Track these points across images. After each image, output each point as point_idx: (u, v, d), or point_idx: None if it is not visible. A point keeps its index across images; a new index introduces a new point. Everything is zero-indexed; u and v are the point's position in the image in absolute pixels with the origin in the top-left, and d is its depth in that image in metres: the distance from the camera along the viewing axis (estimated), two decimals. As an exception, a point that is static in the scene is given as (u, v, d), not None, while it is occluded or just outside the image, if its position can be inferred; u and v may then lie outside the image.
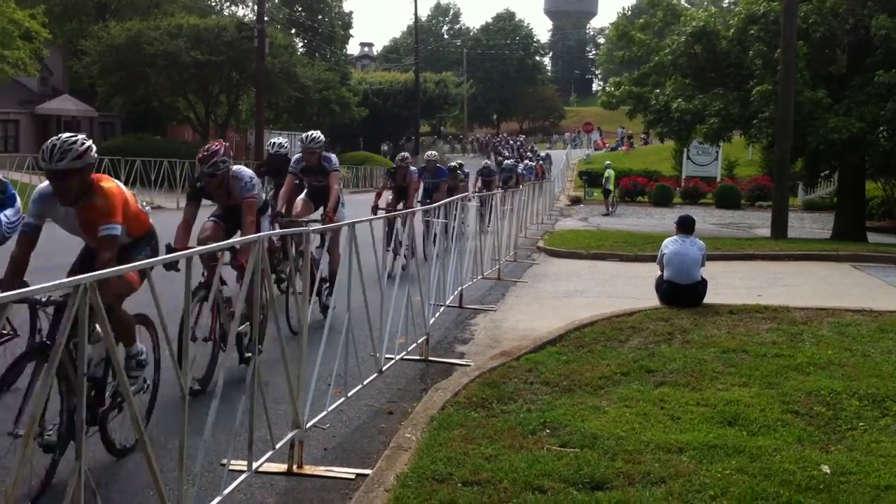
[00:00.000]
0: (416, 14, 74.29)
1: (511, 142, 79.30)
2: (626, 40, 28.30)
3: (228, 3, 64.33)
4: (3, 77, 31.96)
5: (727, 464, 5.31)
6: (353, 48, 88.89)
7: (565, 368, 7.67)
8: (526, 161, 40.98)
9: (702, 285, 11.02)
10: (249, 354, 7.00)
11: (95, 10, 49.36)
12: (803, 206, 36.29)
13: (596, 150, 72.05)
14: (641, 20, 29.80)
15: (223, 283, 6.54)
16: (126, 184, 27.81)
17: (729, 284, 13.29)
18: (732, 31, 24.84)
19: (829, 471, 5.26)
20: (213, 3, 61.63)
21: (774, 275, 15.51)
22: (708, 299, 11.02)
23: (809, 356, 8.20)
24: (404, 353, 8.12)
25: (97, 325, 3.84)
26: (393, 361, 7.71)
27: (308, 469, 5.52)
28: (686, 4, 37.81)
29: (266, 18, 44.54)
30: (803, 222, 29.99)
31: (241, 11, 62.51)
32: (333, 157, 10.17)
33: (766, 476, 5.13)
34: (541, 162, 31.61)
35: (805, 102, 22.30)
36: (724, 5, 37.45)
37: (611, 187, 34.21)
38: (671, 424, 6.12)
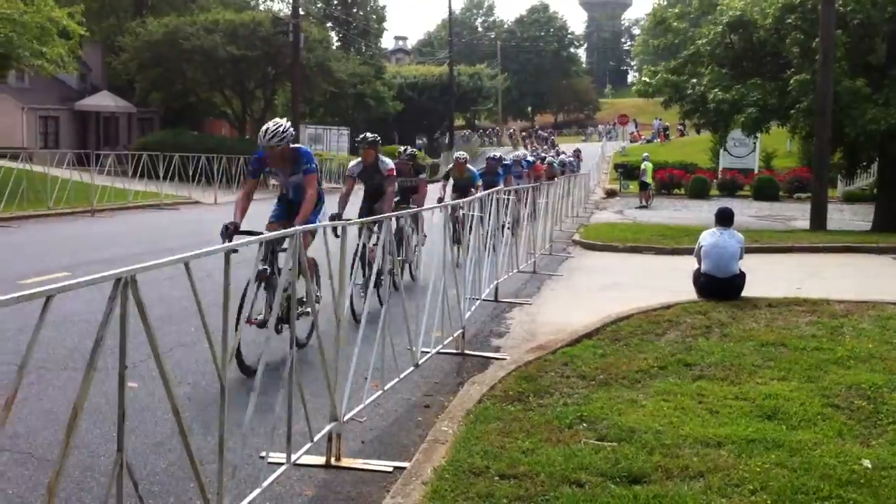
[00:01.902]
0: (450, 7, 74.28)
1: (541, 135, 78.69)
2: (662, 27, 28.10)
3: (264, -1, 64.71)
4: (43, 74, 32.34)
5: (766, 458, 5.27)
6: (387, 42, 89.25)
7: (602, 362, 7.65)
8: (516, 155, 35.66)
9: (740, 278, 10.92)
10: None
11: (133, 7, 49.84)
12: (843, 197, 35.82)
13: (632, 142, 71.61)
14: (677, 9, 29.56)
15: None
16: (164, 179, 28.28)
17: (767, 277, 13.15)
18: (770, 20, 24.55)
19: (870, 465, 5.20)
20: (249, -1, 61.95)
21: (814, 267, 15.35)
22: (746, 292, 10.92)
23: (850, 349, 8.11)
24: (440, 346, 8.14)
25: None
26: (429, 355, 7.73)
27: (346, 462, 5.55)
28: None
29: (301, 13, 44.74)
30: (843, 214, 29.61)
31: (276, 6, 63.05)
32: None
33: (806, 470, 5.08)
34: (547, 161, 28.00)
35: (844, 92, 22.01)
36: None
37: (648, 180, 33.97)
38: (710, 418, 6.08)
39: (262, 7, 60.34)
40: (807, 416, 6.14)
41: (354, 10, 67.97)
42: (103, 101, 46.29)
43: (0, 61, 29.48)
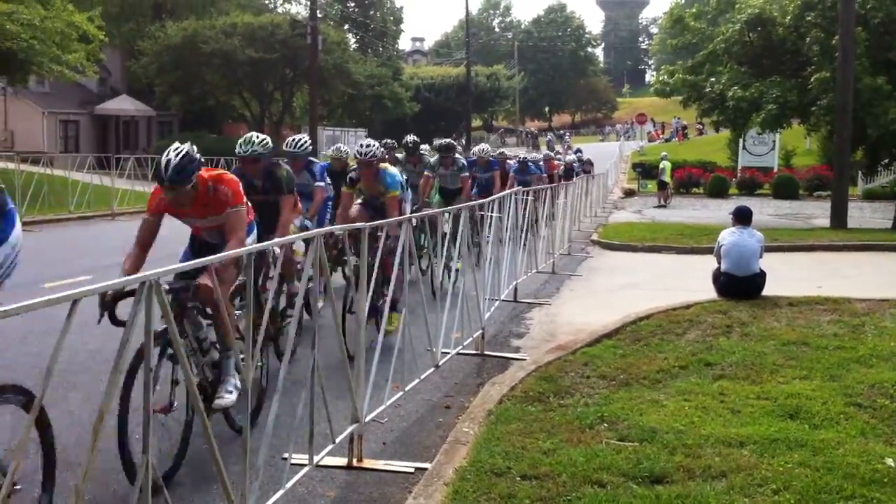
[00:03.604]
0: (466, 8, 74.54)
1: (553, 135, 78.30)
2: (680, 27, 28.01)
3: (282, 1, 65.06)
4: (63, 79, 32.60)
5: (789, 457, 5.25)
6: (404, 43, 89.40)
7: (622, 362, 7.64)
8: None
9: (760, 277, 10.87)
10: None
11: (152, 11, 50.14)
12: (863, 195, 35.55)
13: (650, 141, 71.36)
14: (695, 8, 29.46)
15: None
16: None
17: (788, 276, 13.10)
18: (789, 17, 24.44)
19: (893, 464, 5.17)
20: (268, 2, 62.25)
21: (834, 266, 15.26)
22: (766, 291, 10.87)
23: (872, 348, 8.06)
24: (460, 347, 8.14)
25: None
26: (449, 356, 7.74)
27: (368, 463, 5.57)
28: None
29: (319, 15, 44.89)
30: (863, 212, 29.40)
31: (294, 9, 63.26)
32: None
33: (828, 470, 5.06)
34: (566, 160, 26.49)
35: (864, 90, 21.88)
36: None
37: (667, 179, 33.85)
38: (731, 418, 6.06)
39: (280, 10, 60.64)
40: (829, 415, 6.11)
41: (372, 12, 68.15)
42: (123, 104, 46.60)
43: (21, 67, 29.71)
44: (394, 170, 9.11)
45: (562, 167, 25.58)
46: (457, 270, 8.64)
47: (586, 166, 29.96)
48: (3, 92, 40.15)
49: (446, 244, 8.81)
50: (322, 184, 9.93)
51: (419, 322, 7.39)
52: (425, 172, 12.96)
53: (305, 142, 9.96)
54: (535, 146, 60.78)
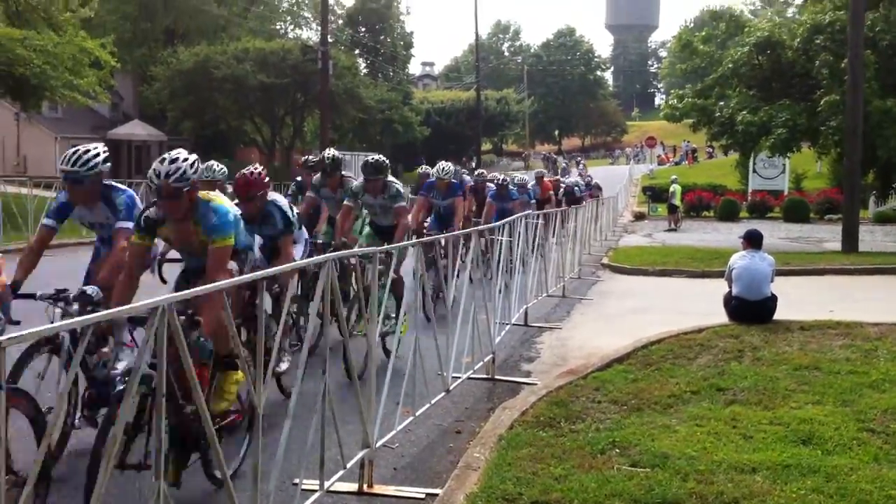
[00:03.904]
0: (476, 32, 74.75)
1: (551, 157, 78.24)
2: (688, 51, 28.11)
3: (293, 27, 65.50)
4: (76, 104, 32.85)
5: (802, 484, 5.22)
6: (414, 68, 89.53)
7: (633, 387, 7.61)
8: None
9: (772, 301, 10.83)
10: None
11: (164, 37, 50.55)
12: (874, 218, 35.44)
13: (659, 164, 71.40)
14: (704, 32, 29.57)
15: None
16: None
17: (799, 300, 13.04)
18: (798, 40, 24.54)
19: (908, 491, 5.14)
20: (279, 27, 62.69)
21: (846, 290, 15.20)
22: (778, 315, 10.83)
23: (884, 372, 8.02)
24: (471, 371, 8.13)
25: None
26: (460, 381, 7.73)
27: (378, 489, 5.56)
28: (749, 16, 37.40)
29: (330, 40, 45.16)
30: (874, 235, 29.28)
31: (305, 34, 63.61)
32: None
33: (842, 496, 5.03)
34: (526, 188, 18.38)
35: (874, 112, 21.89)
36: (789, 15, 37.01)
37: (677, 202, 33.84)
38: (744, 444, 6.03)
39: (291, 35, 61.08)
40: (842, 440, 6.08)
41: (382, 37, 68.52)
42: (135, 129, 46.90)
43: (34, 92, 29.96)
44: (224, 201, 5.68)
45: (561, 189, 24.70)
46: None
47: (594, 191, 29.71)
48: (16, 117, 40.48)
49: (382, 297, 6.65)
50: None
51: (429, 346, 7.39)
52: (345, 201, 9.64)
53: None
54: (554, 170, 60.82)
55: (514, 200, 15.52)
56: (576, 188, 25.71)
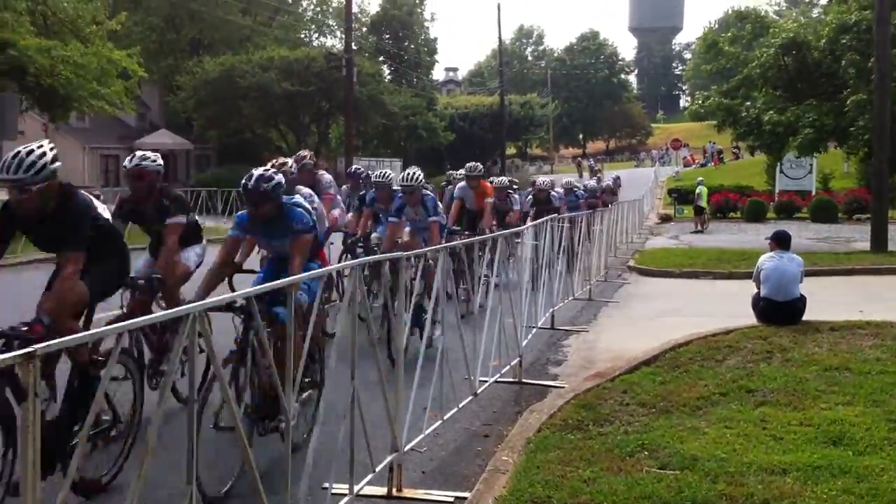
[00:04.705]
0: (500, 37, 74.62)
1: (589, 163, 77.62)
2: (714, 52, 27.97)
3: (317, 35, 65.83)
4: (103, 113, 33.22)
5: (833, 485, 5.19)
6: (438, 73, 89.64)
7: (662, 389, 7.59)
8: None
9: (800, 302, 10.77)
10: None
11: (189, 47, 50.98)
12: (904, 217, 35.10)
13: (685, 166, 71.08)
14: (730, 33, 29.43)
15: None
16: (222, 213, 28.64)
17: (828, 300, 12.93)
18: (824, 41, 24.36)
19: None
20: (303, 35, 63.01)
21: (875, 290, 15.07)
22: (807, 316, 10.76)
23: (916, 373, 7.95)
24: (498, 375, 8.14)
25: None
26: (487, 384, 7.74)
27: (407, 492, 5.58)
28: (775, 17, 37.23)
29: (354, 48, 45.36)
30: (904, 235, 28.99)
31: (329, 42, 63.91)
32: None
33: (873, 496, 4.99)
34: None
35: (902, 111, 21.68)
36: (814, 16, 36.75)
37: (703, 204, 33.65)
38: (774, 445, 6.00)
39: (315, 43, 61.38)
40: (873, 441, 6.03)
41: (406, 44, 68.66)
42: (161, 139, 47.33)
43: (62, 103, 30.30)
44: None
45: (527, 194, 19.31)
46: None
47: (606, 196, 25.73)
48: (44, 128, 40.94)
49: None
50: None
51: (457, 350, 7.40)
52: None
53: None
54: (579, 173, 60.46)
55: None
56: (552, 193, 19.47)
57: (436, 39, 73.96)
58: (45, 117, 35.61)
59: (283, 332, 4.90)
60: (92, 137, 44.18)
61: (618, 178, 35.30)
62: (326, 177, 10.93)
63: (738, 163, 64.32)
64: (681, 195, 40.52)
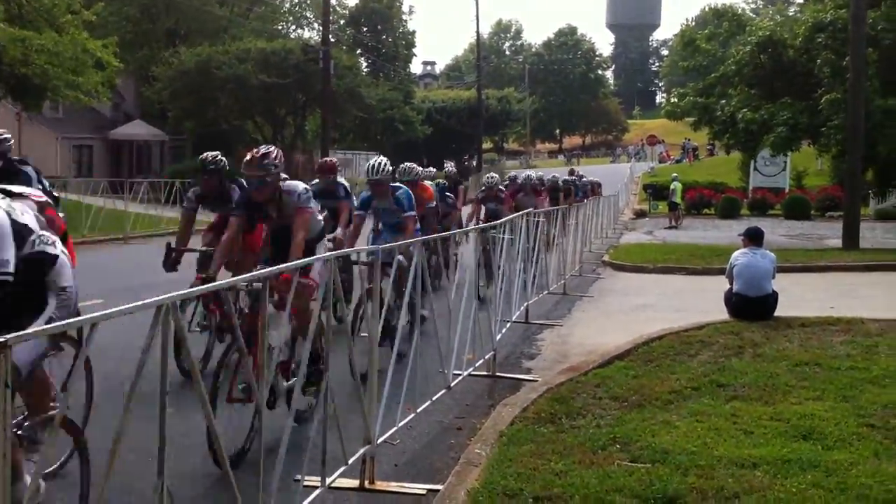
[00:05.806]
0: (478, 32, 74.55)
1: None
2: (691, 49, 28.11)
3: (295, 27, 65.48)
4: (78, 103, 32.91)
5: (802, 479, 5.24)
6: (416, 67, 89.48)
7: (634, 383, 7.63)
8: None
9: (772, 298, 10.86)
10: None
11: (165, 37, 50.54)
12: (875, 215, 35.44)
13: (660, 162, 71.40)
14: (707, 31, 29.57)
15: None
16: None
17: (800, 296, 13.06)
18: (799, 39, 24.53)
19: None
20: (280, 27, 62.64)
21: (847, 286, 15.21)
22: (779, 312, 10.85)
23: (885, 368, 8.04)
24: (472, 368, 8.15)
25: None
26: (461, 377, 7.75)
27: (380, 485, 5.58)
28: (751, 14, 37.45)
29: (331, 40, 45.15)
30: (875, 232, 29.25)
31: (307, 34, 63.58)
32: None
33: (842, 491, 5.04)
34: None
35: (876, 111, 21.88)
36: (790, 14, 37.00)
37: (677, 200, 33.83)
38: (744, 439, 6.05)
39: (292, 35, 61.03)
40: (842, 435, 6.09)
41: (384, 37, 68.48)
42: (136, 129, 46.96)
43: (36, 92, 30.03)
44: None
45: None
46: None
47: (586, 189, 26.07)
48: (17, 117, 40.53)
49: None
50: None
51: (431, 343, 7.40)
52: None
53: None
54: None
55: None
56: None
57: (414, 33, 73.76)
58: (19, 107, 35.25)
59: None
60: (65, 127, 43.71)
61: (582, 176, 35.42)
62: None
63: (712, 159, 64.66)
64: (656, 191, 40.73)
